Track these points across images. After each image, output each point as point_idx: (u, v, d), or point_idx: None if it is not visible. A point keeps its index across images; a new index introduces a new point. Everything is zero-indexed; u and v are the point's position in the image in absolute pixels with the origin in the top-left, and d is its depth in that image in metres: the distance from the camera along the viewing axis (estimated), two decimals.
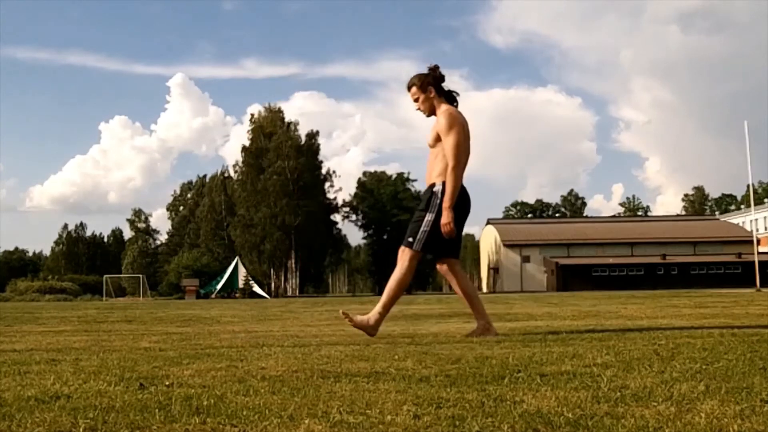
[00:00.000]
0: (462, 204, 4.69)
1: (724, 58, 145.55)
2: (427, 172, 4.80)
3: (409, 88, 4.82)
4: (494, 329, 4.72)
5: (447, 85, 4.82)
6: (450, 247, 4.71)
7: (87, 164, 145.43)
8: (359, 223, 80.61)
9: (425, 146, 4.81)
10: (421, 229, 4.64)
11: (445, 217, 4.53)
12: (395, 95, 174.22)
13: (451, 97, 4.82)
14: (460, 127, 4.62)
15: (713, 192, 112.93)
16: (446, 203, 4.53)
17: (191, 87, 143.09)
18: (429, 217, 4.62)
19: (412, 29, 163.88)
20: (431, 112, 4.79)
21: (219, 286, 49.95)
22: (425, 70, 4.83)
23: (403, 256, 4.72)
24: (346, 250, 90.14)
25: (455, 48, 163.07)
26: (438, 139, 4.67)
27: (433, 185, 4.69)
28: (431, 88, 4.76)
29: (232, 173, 75.44)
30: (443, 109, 4.71)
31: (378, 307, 4.68)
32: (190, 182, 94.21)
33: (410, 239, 4.67)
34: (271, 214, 64.41)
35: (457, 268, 4.83)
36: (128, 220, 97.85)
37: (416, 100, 4.79)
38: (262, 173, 65.90)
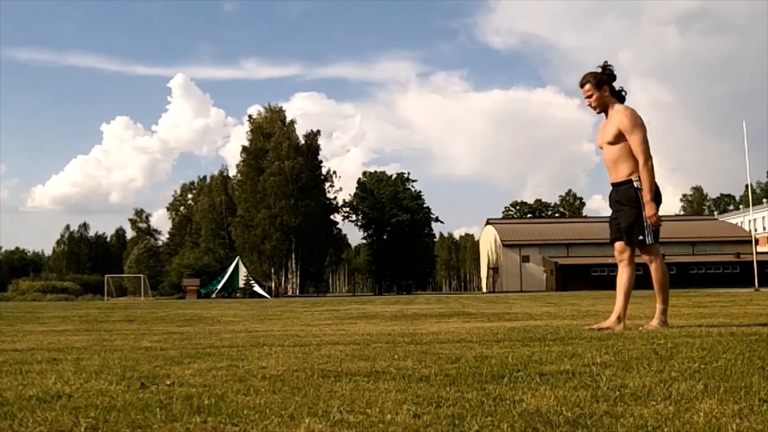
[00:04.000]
0: (657, 194, 4.93)
1: (722, 59, 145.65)
2: (609, 170, 5.00)
3: (582, 85, 5.00)
4: (621, 326, 4.95)
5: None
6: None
7: (89, 164, 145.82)
8: (359, 223, 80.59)
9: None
10: (645, 224, 4.87)
11: (649, 210, 4.82)
12: (395, 96, 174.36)
13: (620, 96, 5.02)
14: (643, 124, 4.86)
15: (712, 192, 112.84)
16: (647, 197, 4.81)
17: (192, 88, 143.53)
18: (644, 212, 4.85)
19: (412, 31, 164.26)
20: (603, 109, 4.98)
21: (219, 286, 49.92)
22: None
23: (647, 254, 4.96)
24: (346, 250, 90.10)
25: (454, 49, 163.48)
26: (618, 136, 4.85)
27: (629, 182, 4.88)
28: (606, 86, 4.96)
29: (233, 173, 75.44)
30: (621, 108, 4.91)
31: (660, 307, 5.07)
32: (192, 182, 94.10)
33: (641, 237, 4.88)
34: (270, 215, 64.33)
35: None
36: (130, 220, 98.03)
37: (588, 97, 4.97)
38: (262, 174, 65.82)
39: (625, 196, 4.90)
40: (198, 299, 40.31)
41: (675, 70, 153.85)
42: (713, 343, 3.67)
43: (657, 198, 4.94)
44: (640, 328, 4.87)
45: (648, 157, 4.79)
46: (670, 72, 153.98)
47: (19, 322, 8.40)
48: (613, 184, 5.02)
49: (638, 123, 4.81)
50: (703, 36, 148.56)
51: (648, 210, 4.80)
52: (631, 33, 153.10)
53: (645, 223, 4.84)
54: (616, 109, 4.89)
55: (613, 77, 4.98)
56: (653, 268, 4.99)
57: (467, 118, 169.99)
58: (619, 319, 5.00)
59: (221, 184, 79.35)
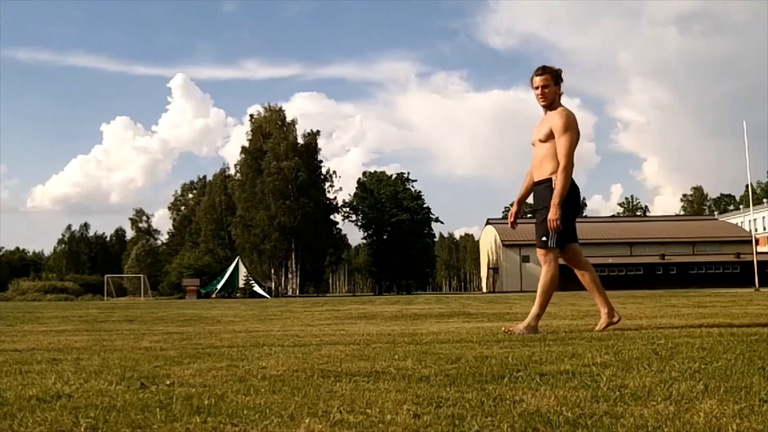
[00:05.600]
0: (574, 198, 4.83)
1: (722, 59, 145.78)
2: (535, 168, 4.91)
3: (541, 73, 4.85)
4: (617, 316, 4.95)
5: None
6: (573, 236, 4.88)
7: (89, 165, 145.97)
8: (359, 223, 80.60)
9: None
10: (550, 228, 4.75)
11: (553, 213, 4.66)
12: (395, 96, 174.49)
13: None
14: (575, 130, 4.76)
15: (712, 192, 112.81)
16: (555, 200, 4.68)
17: (192, 88, 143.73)
18: (548, 215, 4.72)
19: (412, 31, 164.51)
20: (550, 104, 4.85)
21: (219, 286, 49.93)
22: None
23: (544, 256, 4.83)
24: (346, 250, 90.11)
25: (454, 49, 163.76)
26: (551, 135, 4.77)
27: (549, 181, 4.79)
28: (560, 85, 4.89)
29: (232, 173, 75.39)
30: (561, 109, 4.82)
31: (535, 309, 4.83)
32: (192, 182, 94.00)
33: (544, 238, 4.79)
34: (269, 215, 64.29)
35: (581, 255, 4.99)
36: (130, 219, 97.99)
37: (543, 87, 4.82)
38: (262, 174, 65.76)
39: (543, 194, 4.83)
40: (198, 299, 40.31)
41: (675, 70, 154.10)
42: (713, 343, 3.67)
43: (575, 203, 4.83)
44: (511, 329, 4.74)
45: (570, 162, 4.68)
46: (670, 72, 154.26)
47: (19, 322, 8.40)
48: (535, 183, 4.94)
49: (571, 126, 4.71)
50: (703, 36, 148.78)
51: (552, 212, 4.65)
52: (630, 33, 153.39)
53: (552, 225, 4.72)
54: (557, 110, 4.81)
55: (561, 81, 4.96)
56: (543, 271, 4.85)
57: (467, 118, 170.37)
58: (610, 314, 4.95)
59: (221, 184, 79.34)
